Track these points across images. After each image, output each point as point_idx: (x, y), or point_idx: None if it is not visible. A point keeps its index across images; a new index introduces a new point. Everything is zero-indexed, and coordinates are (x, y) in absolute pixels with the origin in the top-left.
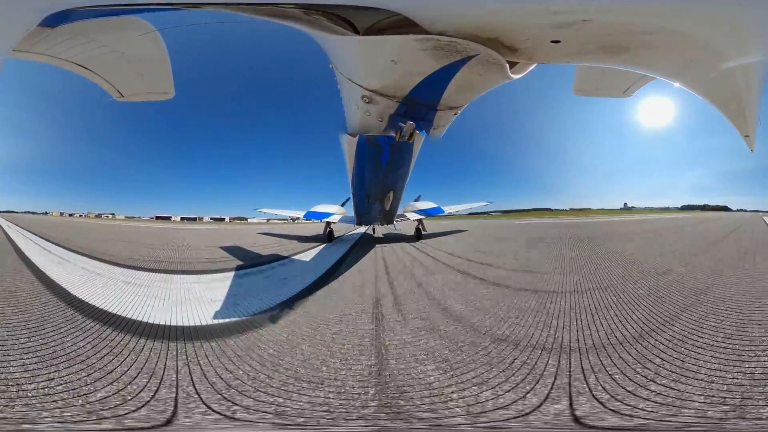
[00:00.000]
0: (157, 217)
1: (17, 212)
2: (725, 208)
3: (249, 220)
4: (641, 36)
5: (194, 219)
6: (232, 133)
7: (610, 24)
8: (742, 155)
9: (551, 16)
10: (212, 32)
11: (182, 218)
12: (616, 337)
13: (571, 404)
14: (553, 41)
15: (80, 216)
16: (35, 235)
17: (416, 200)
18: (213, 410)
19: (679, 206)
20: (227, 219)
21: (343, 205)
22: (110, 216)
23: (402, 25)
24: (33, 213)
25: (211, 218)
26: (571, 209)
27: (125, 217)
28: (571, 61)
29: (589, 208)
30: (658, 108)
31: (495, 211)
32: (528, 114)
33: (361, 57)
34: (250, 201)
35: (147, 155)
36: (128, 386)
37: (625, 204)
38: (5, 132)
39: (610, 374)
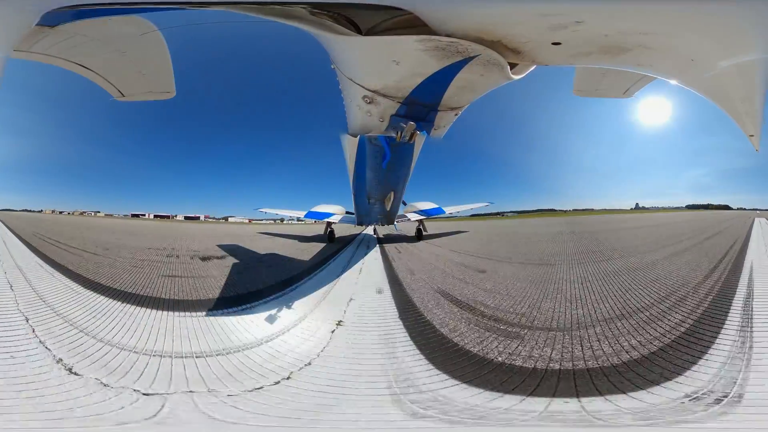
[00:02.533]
0: (133, 215)
1: (15, 210)
2: (727, 207)
3: (229, 219)
4: (639, 36)
5: (167, 217)
6: (232, 133)
7: (604, 25)
8: (743, 154)
9: (544, 18)
10: (213, 31)
11: (155, 216)
12: None
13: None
14: (554, 43)
15: (69, 214)
16: None
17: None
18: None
19: (684, 206)
20: (202, 217)
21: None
22: (93, 214)
23: (404, 26)
24: (29, 211)
25: (186, 217)
26: (575, 210)
27: (104, 215)
28: (573, 63)
29: (592, 209)
30: (661, 108)
31: (510, 212)
32: (529, 114)
33: (363, 57)
34: (250, 200)
35: (146, 154)
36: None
37: (637, 204)
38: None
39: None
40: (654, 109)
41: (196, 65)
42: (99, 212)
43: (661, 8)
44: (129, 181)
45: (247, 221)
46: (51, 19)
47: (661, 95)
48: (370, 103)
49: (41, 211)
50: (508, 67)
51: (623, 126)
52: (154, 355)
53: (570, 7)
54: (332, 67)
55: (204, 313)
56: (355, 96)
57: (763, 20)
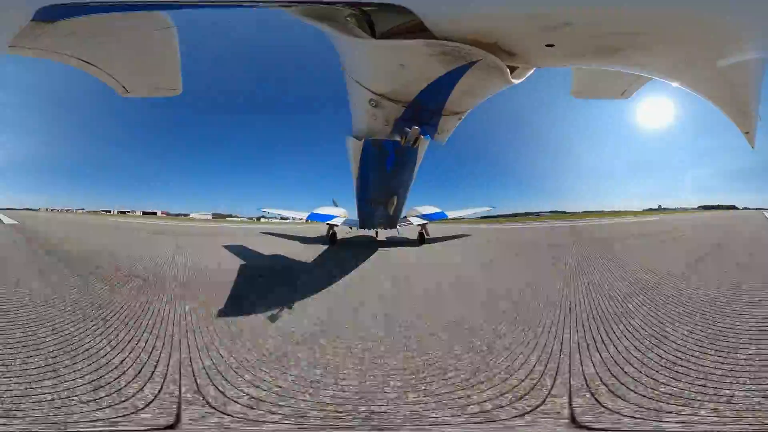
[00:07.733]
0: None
1: (17, 209)
2: (733, 207)
3: (192, 215)
4: (630, 37)
5: (125, 212)
6: (236, 132)
7: (595, 26)
8: (745, 153)
9: (532, 20)
10: (220, 30)
11: (119, 212)
12: None
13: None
14: (547, 45)
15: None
16: None
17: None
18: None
19: (693, 207)
20: (159, 213)
21: None
22: (76, 211)
23: (414, 30)
24: (30, 209)
25: (144, 212)
26: (585, 212)
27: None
28: (568, 64)
29: (602, 211)
30: (663, 109)
31: (543, 212)
32: (529, 118)
33: (371, 60)
34: (252, 200)
35: (148, 152)
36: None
37: (660, 206)
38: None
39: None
40: (657, 111)
41: (203, 63)
42: (83, 209)
43: (646, 10)
44: (129, 180)
45: (211, 216)
46: (51, 15)
47: (664, 96)
48: (375, 106)
49: (38, 209)
50: (509, 71)
51: (625, 127)
52: None
53: (556, 10)
54: (342, 69)
55: None
56: (362, 99)
57: (754, 21)
